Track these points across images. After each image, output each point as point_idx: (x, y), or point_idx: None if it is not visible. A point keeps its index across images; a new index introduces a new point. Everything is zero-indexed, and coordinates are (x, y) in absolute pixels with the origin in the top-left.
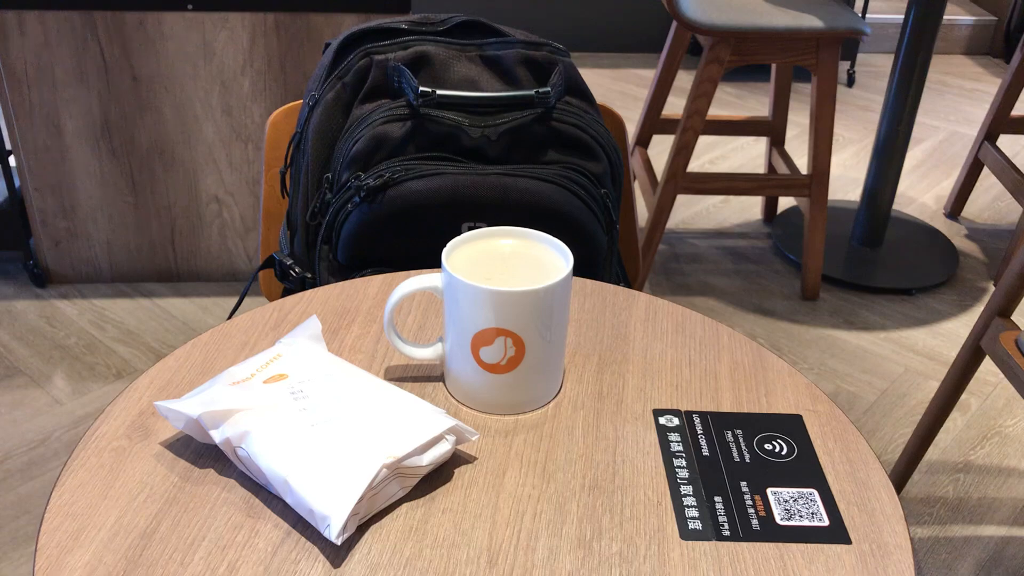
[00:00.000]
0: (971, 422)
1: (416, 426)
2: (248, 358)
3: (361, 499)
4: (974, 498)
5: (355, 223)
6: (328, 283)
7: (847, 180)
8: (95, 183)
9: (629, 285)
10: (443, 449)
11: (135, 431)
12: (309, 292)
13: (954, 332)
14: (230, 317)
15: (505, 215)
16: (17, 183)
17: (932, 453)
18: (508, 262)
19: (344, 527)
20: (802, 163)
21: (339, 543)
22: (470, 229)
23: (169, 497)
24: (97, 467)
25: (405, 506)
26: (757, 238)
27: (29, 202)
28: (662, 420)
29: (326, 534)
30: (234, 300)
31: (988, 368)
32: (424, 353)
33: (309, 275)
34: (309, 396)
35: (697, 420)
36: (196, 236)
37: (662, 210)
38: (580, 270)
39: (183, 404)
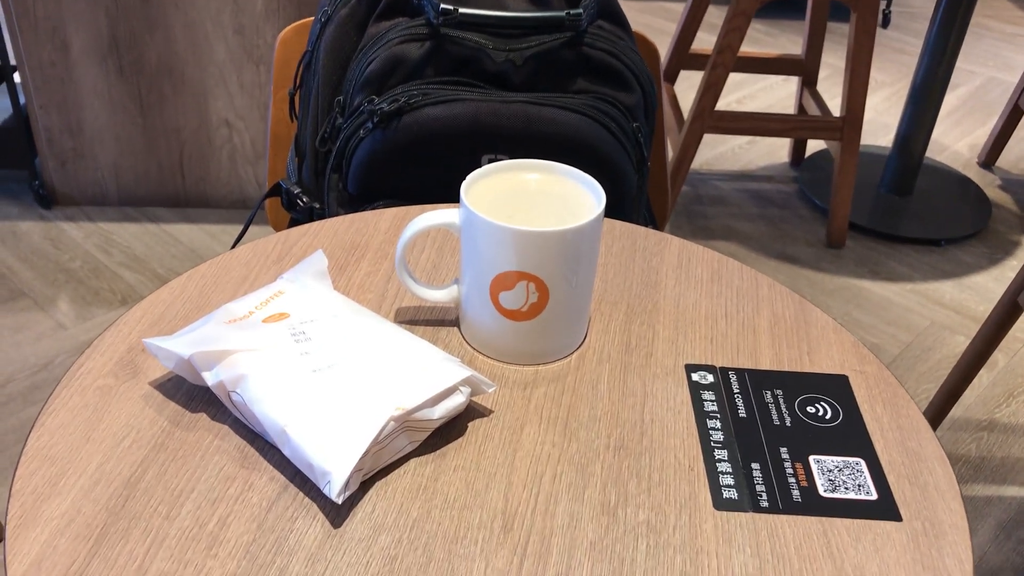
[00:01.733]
0: (997, 379)
1: (428, 375)
2: (247, 294)
3: (366, 454)
4: (997, 457)
5: (367, 151)
6: (337, 215)
7: (878, 125)
8: (102, 102)
9: (657, 227)
10: (456, 401)
11: (123, 369)
12: (316, 224)
13: (983, 286)
14: (233, 247)
15: (528, 147)
16: (22, 100)
17: (956, 410)
18: (533, 199)
19: (346, 484)
20: (833, 105)
21: (339, 502)
22: (490, 162)
23: (157, 443)
24: (80, 407)
25: (413, 462)
26: (783, 182)
27: (35, 120)
28: (695, 376)
29: (326, 491)
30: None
31: (1017, 324)
32: (438, 295)
33: (317, 205)
34: (312, 338)
35: (733, 378)
36: (205, 161)
37: (687, 149)
38: (607, 210)
39: (174, 342)
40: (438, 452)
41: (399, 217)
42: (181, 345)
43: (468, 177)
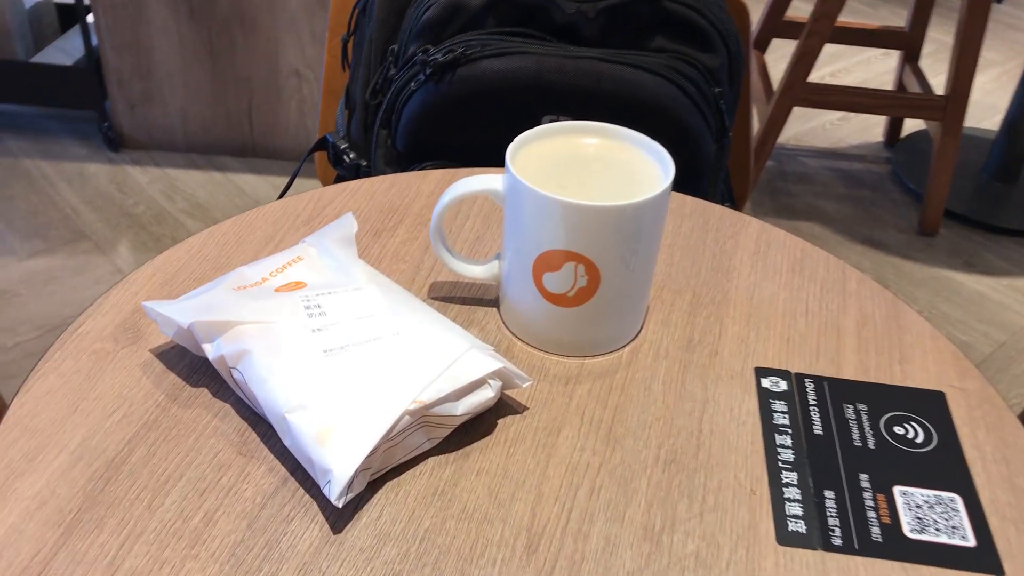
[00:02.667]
0: None
1: (454, 365)
2: (266, 257)
3: (374, 451)
4: None
5: (418, 105)
6: (384, 174)
7: (984, 106)
8: (173, 45)
9: (735, 206)
10: (484, 396)
11: (124, 332)
12: (354, 183)
13: None
14: (280, 197)
15: (595, 108)
16: (95, 41)
17: None
18: (590, 167)
19: (348, 486)
20: (936, 83)
21: (340, 505)
22: (552, 123)
23: (149, 419)
24: (72, 372)
25: (431, 461)
26: (875, 162)
27: (106, 61)
28: (765, 382)
29: (326, 491)
30: (308, 181)
31: None
32: (477, 271)
33: (364, 163)
34: (327, 313)
35: (810, 387)
36: (274, 111)
37: (775, 122)
38: (680, 184)
39: (174, 308)
40: (460, 452)
41: (445, 180)
42: (181, 312)
43: (516, 139)
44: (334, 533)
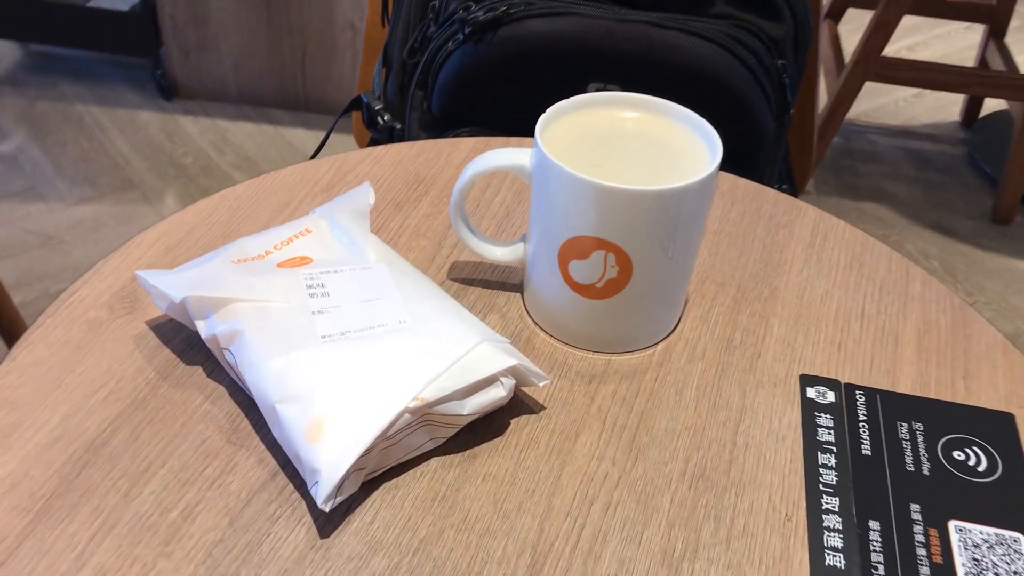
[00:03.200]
0: None
1: (462, 359)
2: (273, 227)
3: (368, 452)
4: None
5: (455, 66)
6: (418, 139)
7: None
8: None
9: (794, 190)
10: (494, 396)
11: (121, 301)
12: (380, 149)
13: None
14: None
15: (645, 77)
16: None
17: None
18: (629, 144)
19: (337, 488)
20: (1021, 61)
21: (326, 509)
22: (599, 91)
23: (137, 398)
24: (62, 343)
25: (434, 461)
26: (950, 143)
27: (161, 8)
28: (811, 392)
29: (312, 493)
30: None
31: None
32: (499, 253)
33: (398, 125)
34: (330, 294)
35: (861, 399)
36: (327, 64)
37: (844, 98)
38: (733, 163)
39: (167, 280)
40: (466, 453)
41: (477, 150)
42: (174, 284)
43: (548, 111)
44: (321, 537)
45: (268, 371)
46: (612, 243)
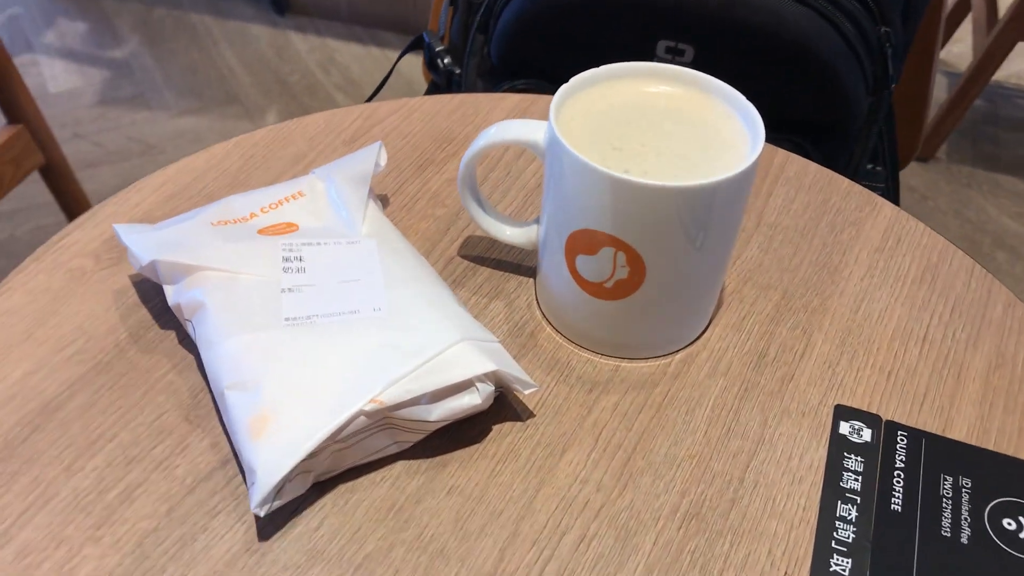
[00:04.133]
0: None
1: (434, 359)
2: (268, 186)
3: (314, 455)
4: None
5: (515, 12)
6: (475, 88)
7: None
8: None
9: (895, 168)
10: (467, 402)
11: (109, 251)
12: (415, 101)
13: None
14: (368, 100)
15: (723, 39)
16: None
17: None
18: (657, 125)
19: (274, 492)
20: None
21: (261, 514)
22: (669, 51)
23: (102, 361)
24: (40, 291)
25: (399, 465)
26: None
27: None
28: (844, 428)
29: (249, 494)
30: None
31: None
32: (509, 234)
33: (458, 71)
34: (307, 269)
35: (902, 442)
36: None
37: (993, 56)
38: (814, 140)
39: (140, 239)
40: (436, 460)
41: (520, 108)
42: (146, 245)
43: (571, 81)
44: (260, 540)
45: (223, 351)
46: (622, 241)
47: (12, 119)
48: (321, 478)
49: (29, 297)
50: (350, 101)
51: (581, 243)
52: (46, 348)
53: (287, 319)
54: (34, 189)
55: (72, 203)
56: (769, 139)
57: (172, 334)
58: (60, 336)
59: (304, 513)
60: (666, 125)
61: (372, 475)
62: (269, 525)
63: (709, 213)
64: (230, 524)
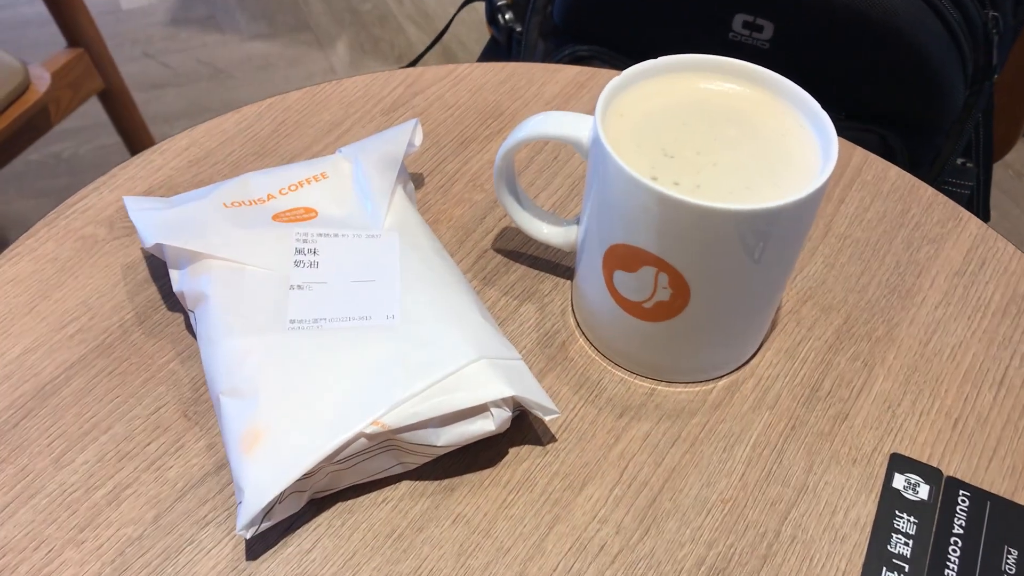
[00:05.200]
0: None
1: (446, 380)
2: (289, 164)
3: (309, 475)
4: None
5: None
6: (535, 48)
7: None
8: None
9: (988, 164)
10: (479, 428)
11: (124, 219)
12: (464, 68)
13: None
14: (415, 62)
15: (804, 18)
16: None
17: None
18: (718, 130)
19: (262, 515)
20: None
21: (246, 536)
22: (747, 27)
23: (105, 341)
24: (49, 259)
25: (404, 486)
26: None
27: None
28: (899, 481)
29: (237, 513)
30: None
31: None
32: (546, 232)
33: (518, 28)
34: (320, 264)
35: (963, 503)
36: None
37: None
38: (895, 134)
39: (148, 218)
40: (444, 483)
41: (577, 83)
42: (153, 225)
43: (623, 75)
44: (248, 558)
45: (222, 352)
46: (665, 261)
47: (72, 42)
48: (318, 496)
49: (35, 266)
50: (421, 34)
51: (620, 258)
52: (48, 323)
53: (292, 321)
54: (99, 107)
55: (130, 129)
56: (849, 128)
57: (179, 317)
58: (63, 311)
59: (297, 532)
60: (728, 130)
61: (373, 495)
62: (259, 543)
63: (766, 239)
64: (218, 538)
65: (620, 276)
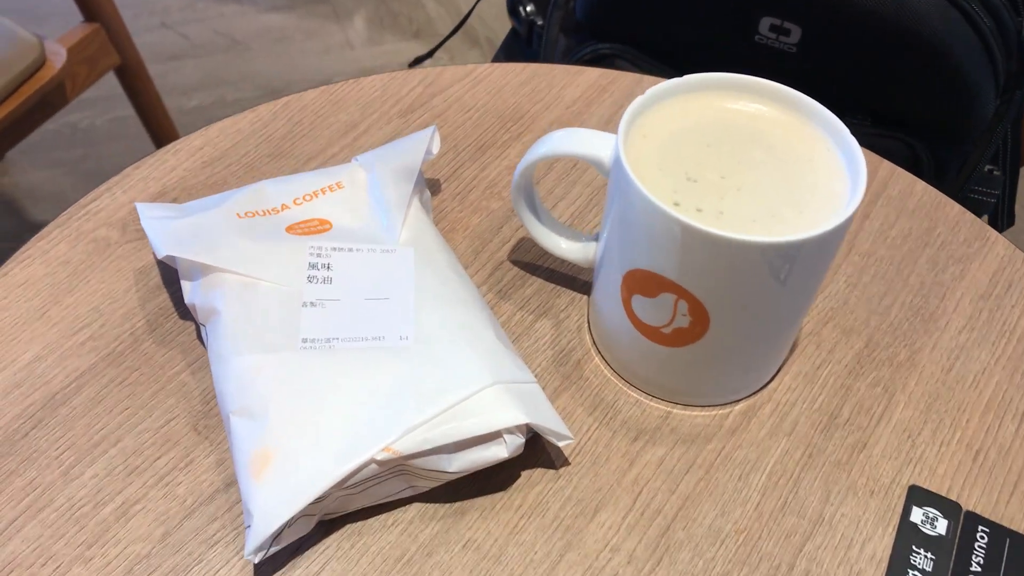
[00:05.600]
0: None
1: (461, 404)
2: (305, 172)
3: (320, 499)
4: None
5: None
6: (556, 44)
7: None
8: None
9: (1015, 172)
10: (492, 454)
11: (137, 221)
12: (484, 68)
13: None
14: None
15: (832, 25)
16: None
17: None
18: (742, 153)
19: (271, 540)
20: None
21: (255, 561)
22: (774, 30)
23: (116, 349)
24: (60, 262)
25: (414, 508)
26: None
27: None
28: (917, 515)
29: (246, 537)
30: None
31: None
32: (565, 247)
33: (540, 21)
34: (333, 279)
35: (983, 539)
36: None
37: None
38: (921, 142)
39: (160, 228)
40: (454, 507)
41: (599, 86)
42: (164, 236)
43: (647, 92)
44: None
45: (232, 370)
46: (685, 289)
47: (89, 17)
48: (327, 518)
49: (47, 269)
50: (440, 8)
51: (639, 283)
52: (59, 330)
53: (304, 340)
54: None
55: (145, 104)
56: (875, 135)
57: (190, 326)
58: (75, 317)
59: (306, 554)
60: (753, 153)
61: (383, 517)
62: (268, 565)
63: (790, 270)
64: (227, 557)
65: (639, 300)
